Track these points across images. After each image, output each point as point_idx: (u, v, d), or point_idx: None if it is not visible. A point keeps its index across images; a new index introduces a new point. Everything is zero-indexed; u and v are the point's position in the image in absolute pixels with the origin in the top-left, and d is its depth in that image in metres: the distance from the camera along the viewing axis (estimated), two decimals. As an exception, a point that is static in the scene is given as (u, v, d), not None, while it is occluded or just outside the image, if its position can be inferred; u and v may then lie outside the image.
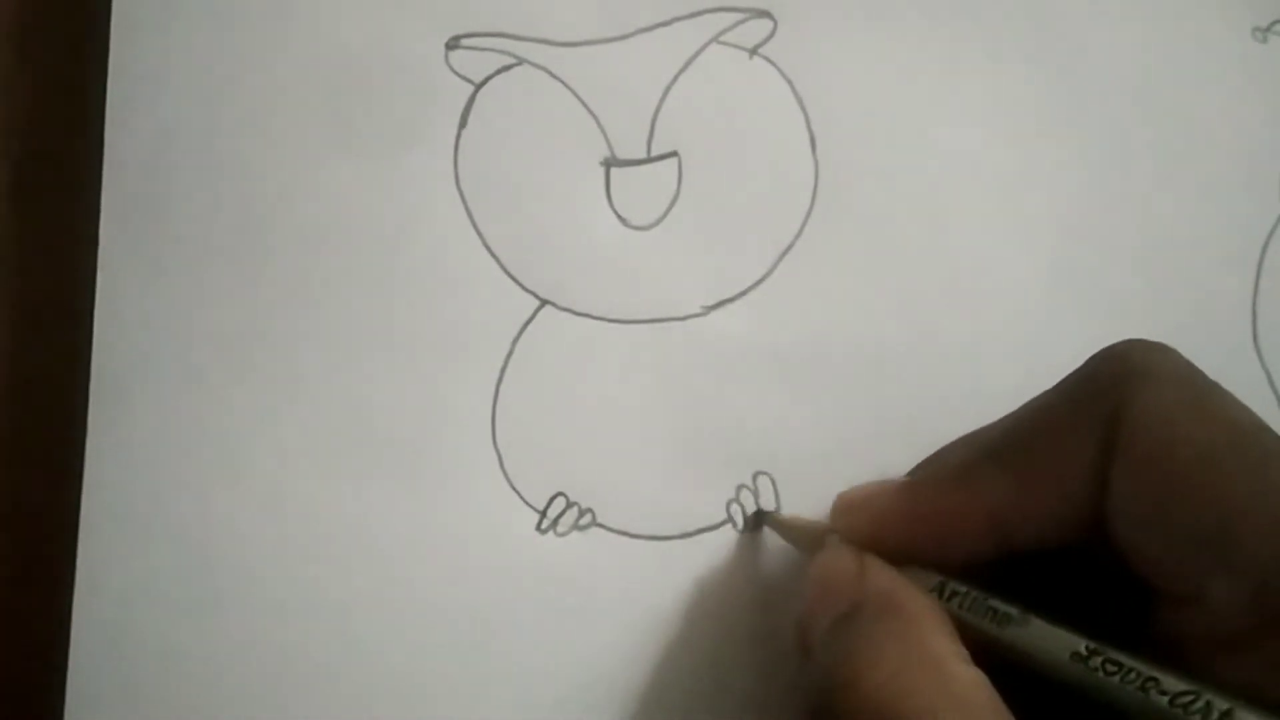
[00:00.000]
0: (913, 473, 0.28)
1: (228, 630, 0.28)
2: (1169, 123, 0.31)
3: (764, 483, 0.29)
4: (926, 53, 0.31)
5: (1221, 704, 0.22)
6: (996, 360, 0.30)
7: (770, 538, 0.29)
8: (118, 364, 0.28)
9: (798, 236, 0.30)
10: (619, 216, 0.30)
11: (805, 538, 0.28)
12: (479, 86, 0.29)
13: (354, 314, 0.29)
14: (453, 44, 0.29)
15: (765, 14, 0.30)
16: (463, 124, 0.29)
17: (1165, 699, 0.22)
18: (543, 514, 0.29)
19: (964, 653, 0.23)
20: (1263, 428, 0.23)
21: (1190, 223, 0.31)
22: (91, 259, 0.28)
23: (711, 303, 0.30)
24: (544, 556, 0.29)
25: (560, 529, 0.29)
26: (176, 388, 0.28)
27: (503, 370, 0.29)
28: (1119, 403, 0.23)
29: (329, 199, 0.29)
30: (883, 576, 0.25)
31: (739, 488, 0.29)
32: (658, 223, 0.30)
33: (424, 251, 0.29)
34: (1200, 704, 0.22)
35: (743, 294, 0.30)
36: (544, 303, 0.29)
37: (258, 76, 0.29)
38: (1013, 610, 0.24)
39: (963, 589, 0.25)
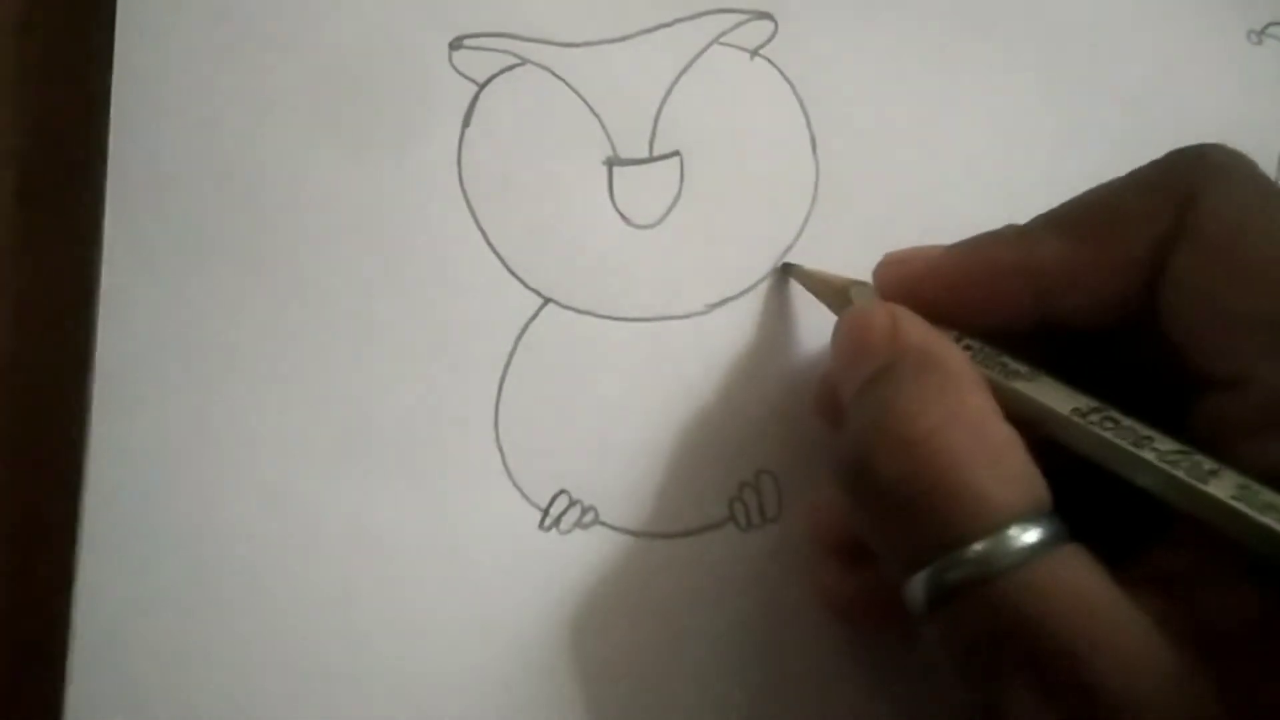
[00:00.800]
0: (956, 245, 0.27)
1: (228, 631, 0.28)
2: (1164, 124, 0.32)
3: (767, 480, 0.29)
4: (927, 53, 0.31)
5: (1209, 463, 0.22)
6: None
7: (797, 302, 0.29)
8: (120, 364, 0.28)
9: (798, 236, 0.30)
10: (621, 215, 0.30)
11: (831, 290, 0.28)
12: (482, 86, 0.30)
13: (357, 313, 0.29)
14: (456, 44, 0.30)
15: (766, 15, 0.30)
16: (466, 123, 0.29)
17: (1155, 455, 0.22)
18: (545, 512, 0.29)
19: (999, 411, 0.23)
20: None
21: (1186, 225, 0.31)
22: (95, 259, 0.28)
23: (714, 301, 0.30)
24: (547, 554, 0.29)
25: (563, 527, 0.29)
26: (179, 387, 0.28)
27: (505, 368, 0.29)
28: (1194, 189, 0.23)
29: (332, 198, 0.29)
30: (918, 331, 0.25)
31: (742, 486, 0.29)
32: (660, 222, 0.30)
33: (427, 250, 0.29)
34: (1188, 461, 0.22)
35: (744, 292, 0.30)
36: (546, 301, 0.29)
37: (262, 76, 0.29)
38: (1023, 367, 0.24)
39: (977, 343, 0.25)
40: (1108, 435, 0.23)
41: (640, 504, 0.29)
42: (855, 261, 0.30)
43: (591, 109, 0.30)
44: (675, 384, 0.29)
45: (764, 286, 0.30)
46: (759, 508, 0.29)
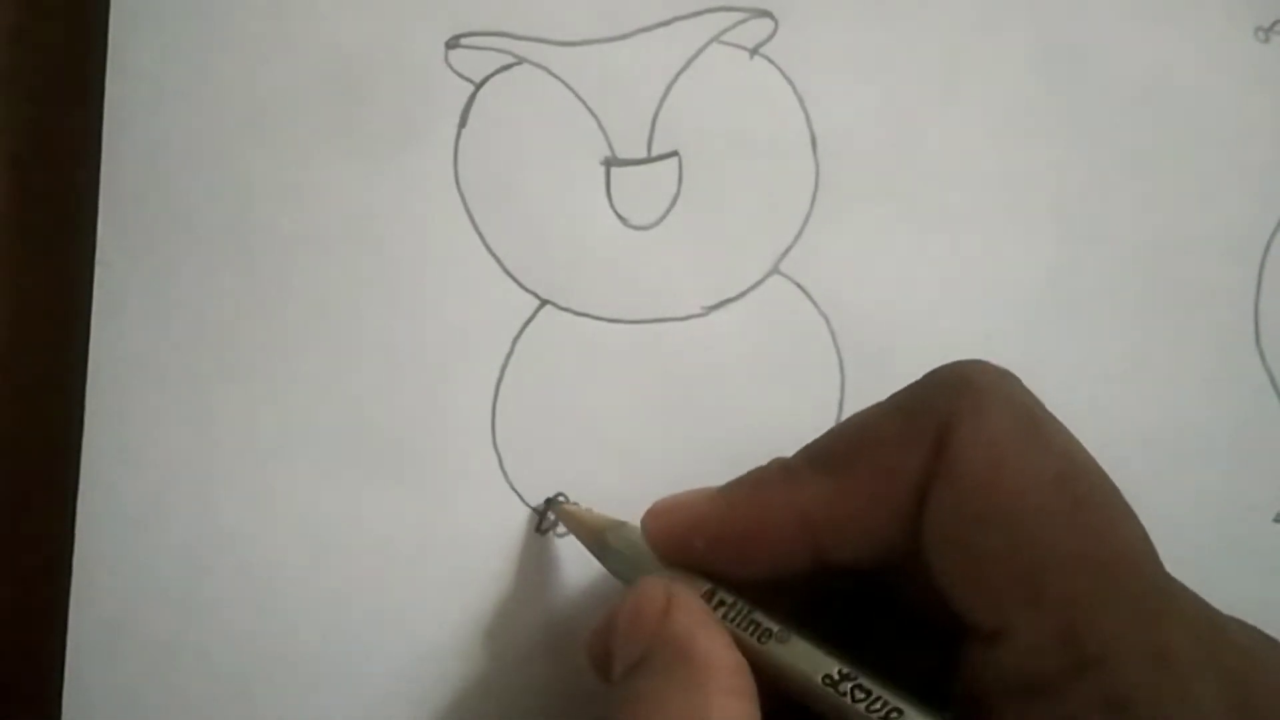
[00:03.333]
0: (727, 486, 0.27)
1: (225, 630, 0.28)
2: (1171, 122, 0.31)
3: (764, 483, 0.29)
4: (926, 53, 0.31)
5: None
6: (997, 361, 0.30)
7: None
8: (115, 364, 0.28)
9: (798, 237, 0.30)
10: (619, 216, 0.30)
11: (589, 533, 0.27)
12: (479, 86, 0.29)
13: (353, 314, 0.29)
14: (453, 43, 0.29)
15: (766, 14, 0.30)
16: (463, 123, 0.29)
17: None
18: (542, 515, 0.29)
19: (753, 714, 0.22)
20: (1093, 466, 0.23)
21: (1192, 223, 0.31)
22: (90, 259, 0.28)
23: (712, 303, 0.30)
24: (543, 557, 0.29)
25: (560, 530, 0.29)
26: (173, 387, 0.28)
27: (503, 370, 0.29)
28: (949, 419, 0.23)
29: (328, 199, 0.29)
30: (684, 620, 0.24)
31: (739, 488, 0.29)
32: (658, 223, 0.30)
33: (424, 251, 0.29)
34: None
35: (743, 294, 0.30)
36: (544, 303, 0.29)
37: (257, 76, 0.29)
38: (774, 626, 0.24)
39: (730, 599, 0.24)
40: (859, 706, 0.22)
41: (637, 506, 0.29)
42: (855, 261, 0.30)
43: (589, 108, 0.29)
44: (673, 386, 0.29)
45: (762, 289, 0.30)
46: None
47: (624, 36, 0.30)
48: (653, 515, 0.26)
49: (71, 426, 0.28)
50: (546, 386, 0.29)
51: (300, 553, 0.28)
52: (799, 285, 0.30)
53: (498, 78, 0.29)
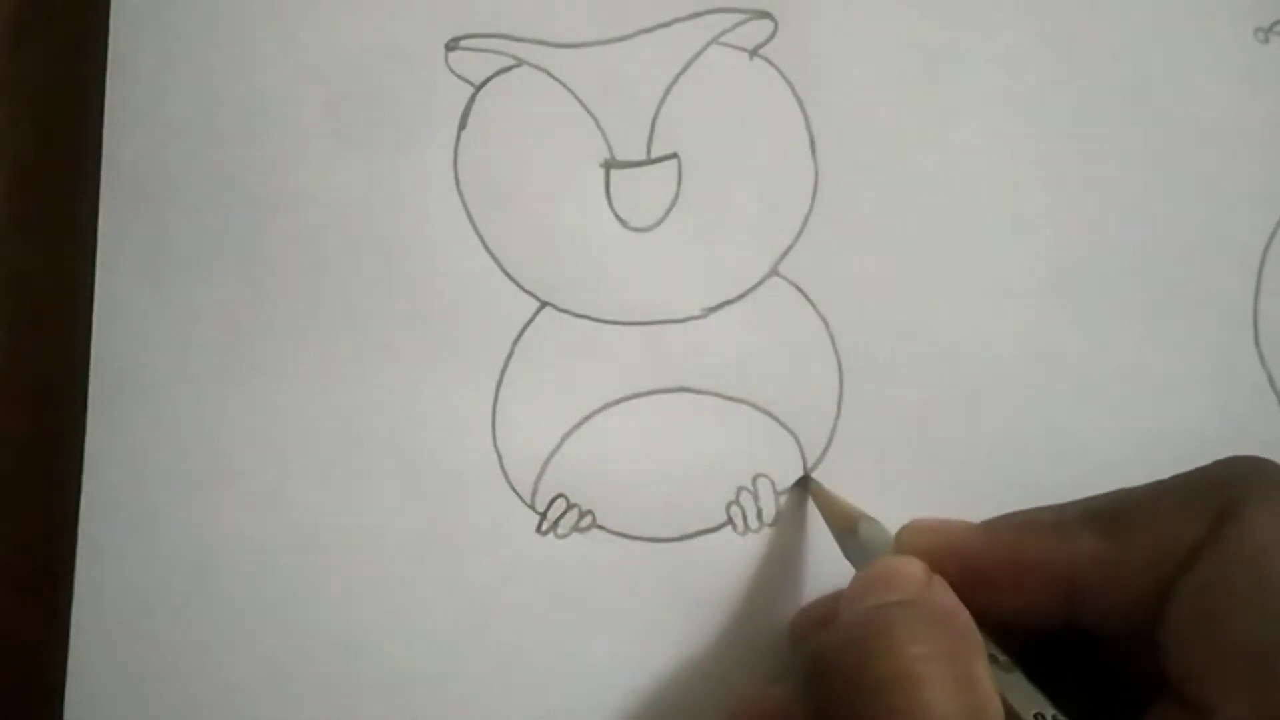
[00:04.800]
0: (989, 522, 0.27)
1: (227, 631, 0.28)
2: (1170, 123, 0.31)
3: (764, 485, 0.29)
4: (926, 53, 0.31)
5: None
6: (997, 361, 0.30)
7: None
8: (117, 365, 0.28)
9: (797, 238, 0.30)
10: (619, 218, 0.30)
11: (841, 518, 0.28)
12: (479, 88, 0.29)
13: (353, 315, 0.29)
14: (452, 45, 0.29)
15: (765, 15, 0.30)
16: (462, 125, 0.29)
17: None
18: (543, 515, 0.29)
19: (999, 704, 0.22)
20: None
21: (1191, 223, 0.31)
22: (91, 259, 0.28)
23: (711, 304, 0.30)
24: (544, 558, 0.29)
25: (560, 531, 0.29)
26: (175, 388, 0.28)
27: (503, 372, 0.29)
28: (1234, 502, 0.23)
29: (328, 200, 0.29)
30: (950, 596, 0.24)
31: (739, 490, 0.29)
32: (657, 224, 0.30)
33: (424, 252, 0.29)
34: None
35: (742, 296, 0.30)
36: (544, 304, 0.29)
37: (257, 76, 0.29)
38: (1002, 656, 0.24)
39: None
40: None
41: (637, 508, 0.29)
42: (855, 263, 0.30)
43: (588, 110, 0.29)
44: (672, 388, 0.29)
45: (761, 290, 0.30)
46: (756, 512, 0.29)
47: (624, 38, 0.30)
48: (911, 530, 0.26)
49: (73, 427, 0.28)
50: (546, 388, 0.29)
51: (300, 553, 0.28)
52: (798, 287, 0.30)
53: (497, 79, 0.29)
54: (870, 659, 0.22)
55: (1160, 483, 0.25)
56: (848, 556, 0.27)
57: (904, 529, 0.26)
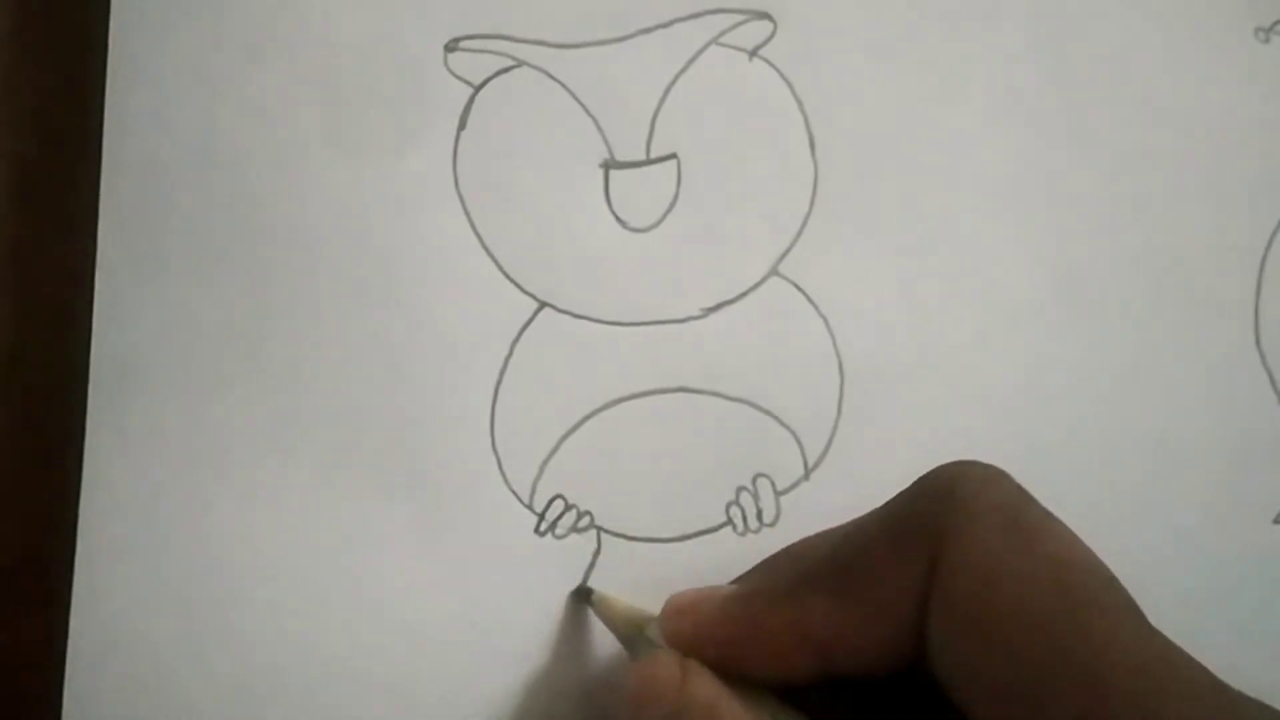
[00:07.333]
0: (742, 579, 0.28)
1: (226, 633, 0.28)
2: (1171, 123, 0.31)
3: (764, 485, 0.29)
4: (926, 53, 0.31)
5: None
6: (997, 361, 0.30)
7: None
8: (116, 366, 0.28)
9: (797, 238, 0.30)
10: (618, 219, 0.30)
11: (624, 624, 0.28)
12: (478, 88, 0.29)
13: (352, 316, 0.29)
14: (451, 46, 0.29)
15: (765, 15, 0.30)
16: (462, 126, 0.29)
17: None
18: (542, 516, 0.29)
19: None
20: (1088, 563, 0.22)
21: (1192, 223, 0.31)
22: (91, 259, 0.28)
23: (710, 305, 0.30)
24: (543, 559, 0.29)
25: (559, 531, 0.29)
26: (175, 390, 0.28)
27: (501, 373, 0.29)
28: (940, 534, 0.23)
29: (327, 201, 0.29)
30: (705, 688, 0.24)
31: (738, 490, 0.29)
32: (657, 225, 0.30)
33: (423, 253, 0.29)
34: None
35: (742, 296, 0.30)
36: (543, 305, 0.29)
37: (257, 77, 0.29)
38: (784, 713, 0.24)
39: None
40: None
41: (636, 508, 0.29)
42: (854, 263, 0.30)
43: (588, 111, 0.29)
44: (672, 388, 0.29)
45: (761, 291, 0.30)
46: (756, 512, 0.29)
47: (623, 39, 0.30)
48: (666, 615, 0.26)
49: (73, 428, 0.28)
50: (545, 389, 0.29)
51: (299, 554, 0.28)
52: (798, 287, 0.30)
53: (497, 80, 0.29)
54: None
55: (869, 520, 0.24)
56: (635, 658, 0.27)
57: (662, 614, 0.26)
